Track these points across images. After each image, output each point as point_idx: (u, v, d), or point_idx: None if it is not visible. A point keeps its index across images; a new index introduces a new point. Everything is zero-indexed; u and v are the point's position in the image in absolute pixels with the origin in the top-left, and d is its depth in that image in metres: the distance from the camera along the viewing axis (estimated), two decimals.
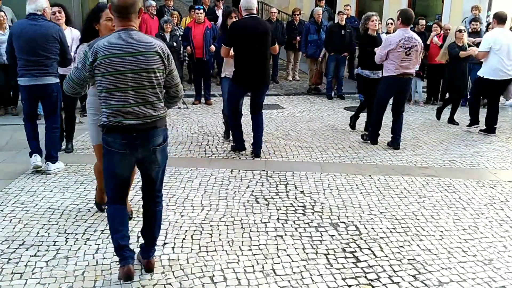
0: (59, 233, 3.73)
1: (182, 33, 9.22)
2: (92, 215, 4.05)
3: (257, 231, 3.85)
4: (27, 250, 3.45)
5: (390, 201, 4.57)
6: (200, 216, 4.11)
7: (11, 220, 3.93)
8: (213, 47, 8.90)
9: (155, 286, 3.06)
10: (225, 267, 3.30)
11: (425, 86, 10.19)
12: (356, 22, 11.40)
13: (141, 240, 3.28)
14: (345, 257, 3.49)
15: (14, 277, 3.10)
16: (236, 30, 5.54)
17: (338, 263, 3.41)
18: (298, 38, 11.07)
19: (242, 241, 3.67)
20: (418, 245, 3.73)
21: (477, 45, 8.73)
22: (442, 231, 3.98)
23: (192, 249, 3.53)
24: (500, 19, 7.18)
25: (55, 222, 3.92)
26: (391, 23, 9.48)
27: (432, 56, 9.44)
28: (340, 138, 6.89)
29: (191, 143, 6.46)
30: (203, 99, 9.29)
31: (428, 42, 9.55)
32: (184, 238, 3.69)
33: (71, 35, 5.67)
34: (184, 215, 4.12)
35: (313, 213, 4.24)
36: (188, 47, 8.88)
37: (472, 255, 3.59)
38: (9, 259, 3.31)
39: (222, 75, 6.34)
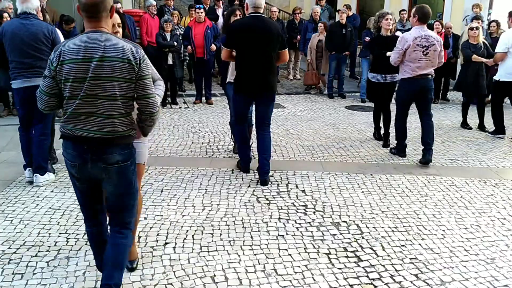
0: (60, 233, 3.72)
1: (182, 32, 9.20)
2: None
3: (259, 231, 3.84)
4: (28, 250, 3.44)
5: (391, 200, 4.56)
6: (201, 215, 4.10)
7: (12, 220, 3.92)
8: (213, 46, 8.90)
9: (156, 286, 3.05)
10: (227, 267, 3.29)
11: None
12: (355, 21, 11.39)
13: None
14: (347, 257, 3.48)
15: (15, 278, 3.10)
16: (236, 30, 4.87)
17: (339, 262, 3.40)
18: (298, 37, 11.05)
19: (244, 241, 3.66)
20: (420, 244, 3.71)
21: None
22: (444, 230, 3.96)
23: (193, 249, 3.52)
24: None
25: (56, 222, 3.91)
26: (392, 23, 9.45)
27: None
28: (341, 137, 6.88)
29: (192, 142, 6.45)
30: (204, 99, 9.28)
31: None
32: (185, 238, 3.68)
33: None
34: (185, 215, 4.11)
35: (314, 212, 4.23)
36: (189, 47, 8.87)
37: (474, 254, 3.58)
38: (10, 260, 3.31)
39: (227, 80, 5.55)
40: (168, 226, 3.88)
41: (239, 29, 4.85)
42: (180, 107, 8.82)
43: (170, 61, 8.61)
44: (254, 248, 3.56)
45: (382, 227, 3.99)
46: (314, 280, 3.16)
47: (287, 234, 3.80)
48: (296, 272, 3.24)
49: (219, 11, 11.15)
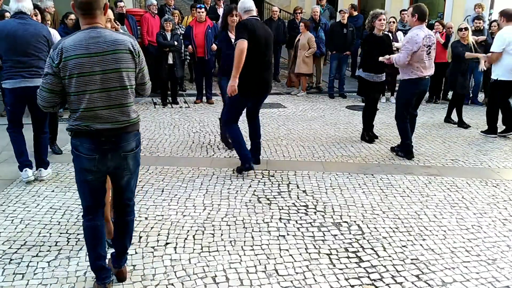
0: (60, 233, 3.72)
1: (183, 32, 9.20)
2: None
3: (259, 231, 3.83)
4: (28, 250, 3.44)
5: (392, 201, 4.55)
6: (202, 215, 4.10)
7: (12, 220, 3.92)
8: (214, 46, 8.88)
9: (157, 286, 3.04)
10: (227, 267, 3.29)
11: None
12: (357, 21, 11.37)
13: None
14: (348, 257, 3.48)
15: (16, 278, 3.10)
16: (250, 27, 4.73)
17: (340, 263, 3.40)
18: (298, 37, 11.00)
19: (244, 241, 3.66)
20: (421, 244, 3.71)
21: (480, 43, 8.72)
22: (445, 231, 3.96)
23: (194, 249, 3.52)
24: (509, 16, 6.80)
25: (57, 222, 3.91)
26: (393, 22, 9.46)
27: (436, 55, 9.36)
28: (342, 137, 6.87)
29: (193, 142, 6.45)
30: (204, 98, 9.28)
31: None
32: (186, 238, 3.68)
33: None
34: (186, 215, 4.10)
35: (315, 212, 4.23)
36: (190, 46, 8.87)
37: (476, 254, 3.57)
38: (11, 260, 3.31)
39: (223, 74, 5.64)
40: (169, 226, 3.87)
41: (252, 28, 4.74)
42: (180, 107, 8.82)
43: (170, 61, 8.61)
44: (255, 248, 3.55)
45: (383, 228, 3.98)
46: (315, 280, 3.15)
47: (288, 234, 3.79)
48: (297, 273, 3.24)
49: (220, 11, 11.13)
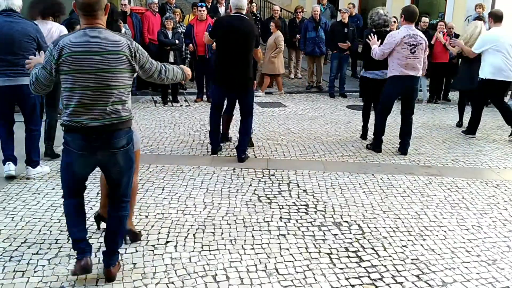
0: (61, 231, 3.71)
1: (184, 30, 9.19)
2: (95, 213, 4.03)
3: (260, 230, 3.83)
4: (29, 248, 3.44)
5: (393, 200, 4.55)
6: (202, 214, 4.09)
7: (13, 217, 3.92)
8: (215, 45, 8.87)
9: (158, 285, 3.04)
10: (228, 266, 3.29)
11: (428, 85, 10.14)
12: (358, 22, 11.37)
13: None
14: (348, 257, 3.48)
15: (16, 275, 3.09)
16: (220, 26, 5.46)
17: (341, 262, 3.40)
18: (298, 36, 11.02)
19: (245, 240, 3.66)
20: (421, 244, 3.71)
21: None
22: (445, 231, 3.96)
23: (194, 248, 3.52)
24: (497, 17, 6.82)
25: (57, 220, 3.90)
26: (394, 22, 9.46)
27: (436, 55, 9.39)
28: (342, 137, 6.87)
29: (193, 141, 6.45)
30: (205, 97, 9.28)
31: (432, 42, 9.50)
32: (186, 237, 3.68)
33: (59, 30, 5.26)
34: (186, 214, 4.10)
35: (316, 212, 4.23)
36: (190, 45, 8.85)
37: (476, 255, 3.57)
38: (11, 257, 3.30)
39: None
40: (169, 224, 3.87)
41: (223, 25, 5.42)
42: (181, 105, 8.82)
43: (171, 59, 8.59)
44: (255, 247, 3.55)
45: (384, 227, 3.98)
46: (316, 280, 3.15)
47: (288, 233, 3.79)
48: (297, 272, 3.24)
49: (221, 9, 11.11)
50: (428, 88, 10.13)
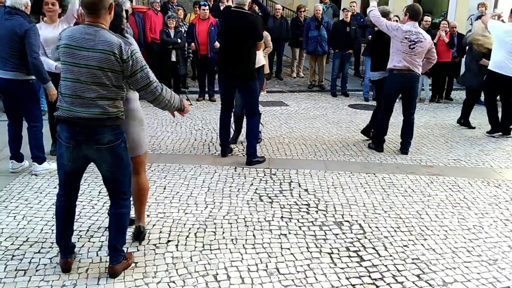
0: None
1: (186, 29, 9.19)
2: (96, 212, 4.04)
3: (261, 229, 3.84)
4: (31, 247, 3.45)
5: (394, 200, 4.55)
6: (203, 213, 4.10)
7: (15, 216, 3.93)
8: (217, 44, 8.87)
9: (159, 284, 3.05)
10: (229, 265, 3.29)
11: (431, 84, 10.13)
12: (362, 20, 11.36)
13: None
14: (349, 256, 3.48)
15: (18, 274, 3.10)
16: (223, 18, 5.91)
17: (342, 262, 3.40)
18: (300, 39, 10.99)
19: (246, 240, 3.66)
20: (422, 244, 3.71)
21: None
22: (446, 231, 3.96)
23: (195, 247, 3.52)
24: None
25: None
26: (396, 20, 9.44)
27: (439, 54, 9.34)
28: (344, 136, 6.87)
29: (195, 140, 6.45)
30: (207, 96, 9.29)
31: (435, 40, 9.48)
32: (187, 236, 3.68)
33: (58, 30, 4.99)
34: (187, 213, 4.11)
35: (317, 211, 4.23)
36: (192, 44, 8.86)
37: (477, 255, 3.57)
38: (13, 256, 3.32)
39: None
40: (170, 223, 3.88)
41: (224, 18, 5.81)
42: None
43: (173, 58, 8.62)
44: (256, 247, 3.56)
45: (385, 227, 3.98)
46: (316, 279, 3.16)
47: (289, 233, 3.80)
48: (298, 272, 3.24)
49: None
50: (431, 87, 10.11)
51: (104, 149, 2.91)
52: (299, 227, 3.92)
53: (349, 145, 6.42)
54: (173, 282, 3.08)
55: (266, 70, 9.77)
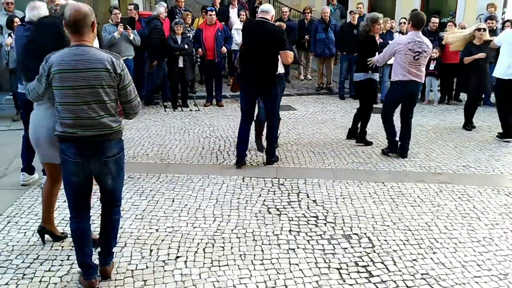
0: (72, 246, 3.68)
1: (193, 34, 9.20)
2: None
3: (269, 244, 3.84)
4: (41, 265, 3.48)
5: (403, 211, 4.53)
6: (212, 227, 4.11)
7: (25, 233, 3.96)
8: (224, 49, 8.90)
9: None
10: (237, 282, 3.30)
11: (439, 85, 10.04)
12: None
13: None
14: (358, 272, 3.47)
15: None
16: (243, 30, 5.93)
17: (351, 278, 3.39)
18: (306, 37, 10.97)
19: (254, 255, 3.67)
20: (431, 258, 3.69)
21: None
22: (456, 243, 3.93)
23: (204, 263, 3.53)
24: None
25: (69, 235, 3.92)
26: (404, 22, 9.42)
27: (448, 55, 9.31)
28: (352, 142, 6.83)
29: (203, 148, 6.47)
30: (214, 101, 9.30)
31: (443, 42, 9.41)
32: (196, 252, 3.69)
33: None
34: (196, 227, 4.12)
35: (325, 224, 4.22)
36: (200, 49, 8.86)
37: (487, 269, 3.55)
38: (24, 275, 3.35)
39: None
40: (179, 238, 3.90)
41: (245, 28, 5.92)
42: (191, 110, 8.85)
43: (180, 64, 8.62)
44: (265, 262, 3.56)
45: (394, 240, 3.97)
46: None
47: (298, 247, 3.79)
48: None
49: (233, 11, 11.08)
50: (439, 88, 10.03)
51: (110, 162, 3.07)
52: (308, 240, 3.91)
53: (357, 151, 6.40)
54: None
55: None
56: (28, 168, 5.04)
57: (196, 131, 7.32)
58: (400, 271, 3.50)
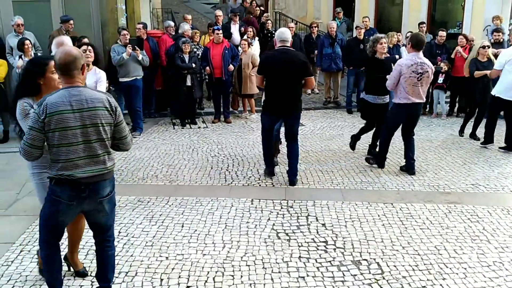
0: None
1: (201, 52, 9.27)
2: (117, 255, 4.09)
3: (279, 272, 3.86)
4: None
5: (412, 234, 4.53)
6: (221, 254, 4.14)
7: (37, 262, 4.00)
8: (231, 67, 8.96)
9: None
10: None
11: (448, 96, 10.02)
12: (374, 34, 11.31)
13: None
14: None
15: None
16: (266, 61, 5.77)
17: None
18: (316, 52, 11.00)
19: (264, 284, 3.69)
20: (441, 284, 3.69)
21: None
22: (465, 268, 3.93)
23: None
24: None
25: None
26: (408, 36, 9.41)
27: (458, 69, 9.29)
28: (361, 160, 6.84)
29: (211, 168, 6.51)
30: (222, 117, 9.35)
31: (452, 56, 9.43)
32: (206, 281, 3.72)
33: (95, 76, 5.03)
34: (205, 254, 4.15)
35: (335, 249, 4.24)
36: (207, 67, 8.93)
37: None
38: None
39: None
40: (189, 267, 3.92)
41: (269, 61, 5.74)
42: (199, 127, 8.91)
43: (188, 83, 8.69)
44: None
45: (403, 265, 3.97)
46: None
47: (307, 275, 3.81)
48: None
49: (235, 27, 11.16)
50: (448, 100, 10.01)
51: (105, 201, 3.15)
52: (317, 267, 3.93)
53: (366, 170, 6.40)
54: None
55: (256, 90, 9.49)
56: None
57: (204, 150, 7.37)
58: None
